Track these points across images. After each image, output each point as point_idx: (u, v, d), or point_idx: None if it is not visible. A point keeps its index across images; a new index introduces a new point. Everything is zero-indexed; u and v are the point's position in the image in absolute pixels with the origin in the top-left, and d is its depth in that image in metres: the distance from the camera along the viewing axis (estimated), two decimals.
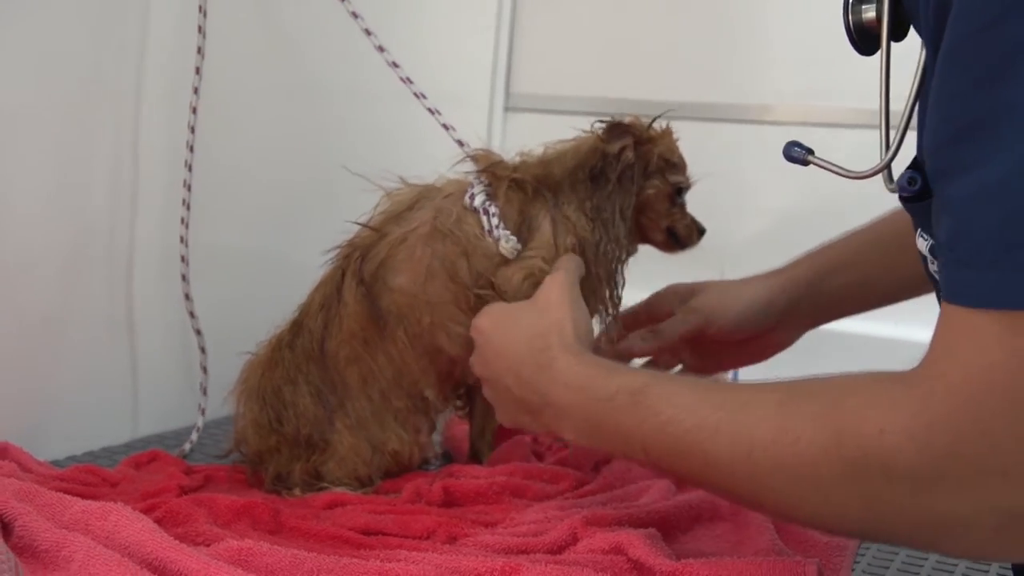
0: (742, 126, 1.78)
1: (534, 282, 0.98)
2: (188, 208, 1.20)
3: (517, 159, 1.05)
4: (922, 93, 0.69)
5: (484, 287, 1.00)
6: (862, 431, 0.66)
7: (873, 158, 1.79)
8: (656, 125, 1.04)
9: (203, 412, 1.20)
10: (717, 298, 1.07)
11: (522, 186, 1.01)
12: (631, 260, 1.06)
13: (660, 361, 1.11)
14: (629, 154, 1.01)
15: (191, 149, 1.19)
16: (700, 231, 1.08)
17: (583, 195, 1.01)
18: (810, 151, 0.81)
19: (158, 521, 0.84)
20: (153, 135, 1.22)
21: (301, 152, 1.45)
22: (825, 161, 0.79)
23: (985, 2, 0.59)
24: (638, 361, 1.11)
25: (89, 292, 1.19)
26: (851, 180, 0.81)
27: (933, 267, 0.77)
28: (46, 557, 0.78)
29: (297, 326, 1.04)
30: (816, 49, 1.73)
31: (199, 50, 1.18)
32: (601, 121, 1.03)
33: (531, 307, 0.93)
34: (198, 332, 1.21)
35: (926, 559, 0.98)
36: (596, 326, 1.03)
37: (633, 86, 1.83)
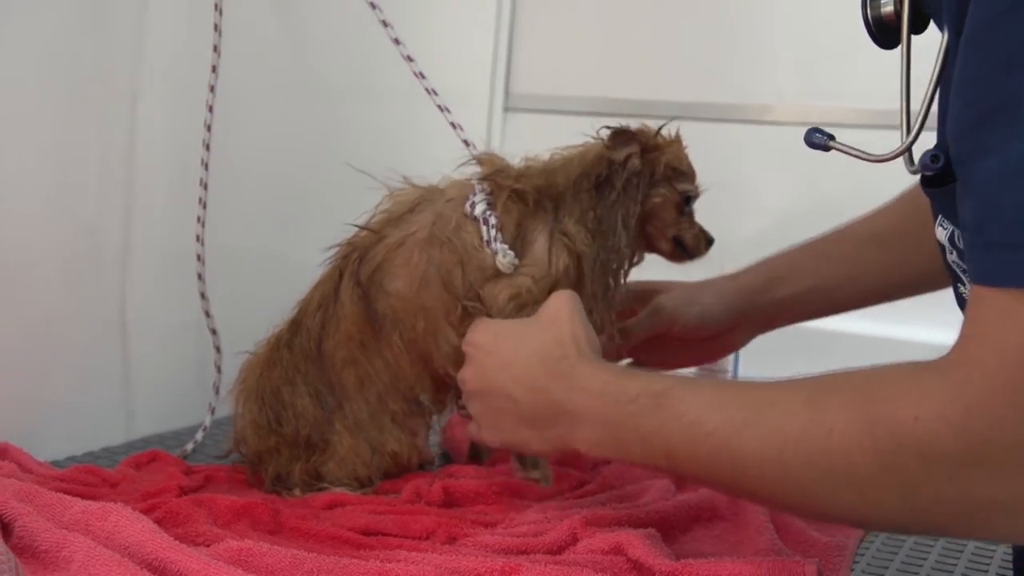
0: (742, 126, 1.79)
1: (519, 304, 0.97)
2: (205, 207, 1.19)
3: (521, 164, 1.03)
4: (943, 78, 0.69)
5: (473, 299, 0.98)
6: (896, 419, 0.66)
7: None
8: (664, 132, 1.03)
9: (213, 411, 1.20)
10: (681, 298, 1.07)
11: (523, 197, 1.00)
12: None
13: (621, 360, 1.10)
14: (635, 162, 1.00)
15: (207, 148, 1.19)
16: (708, 241, 1.06)
17: (587, 205, 0.99)
18: (831, 136, 0.80)
19: (158, 521, 0.84)
20: (154, 135, 1.22)
21: (308, 151, 1.45)
22: (846, 146, 0.78)
23: None
24: None
25: (89, 292, 1.19)
26: (871, 164, 0.82)
27: (951, 257, 0.78)
28: (46, 557, 0.78)
29: (296, 325, 1.04)
30: (816, 49, 1.74)
31: (215, 48, 1.18)
32: (607, 127, 1.01)
33: (535, 322, 0.91)
34: (213, 331, 1.21)
35: (925, 559, 0.98)
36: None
37: (633, 86, 1.83)
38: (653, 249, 1.06)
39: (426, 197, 1.03)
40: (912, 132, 0.72)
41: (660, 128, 1.03)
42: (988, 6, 0.60)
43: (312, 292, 1.05)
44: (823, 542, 0.93)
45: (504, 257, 0.98)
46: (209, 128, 1.18)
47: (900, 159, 0.76)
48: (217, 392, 1.19)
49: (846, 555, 0.93)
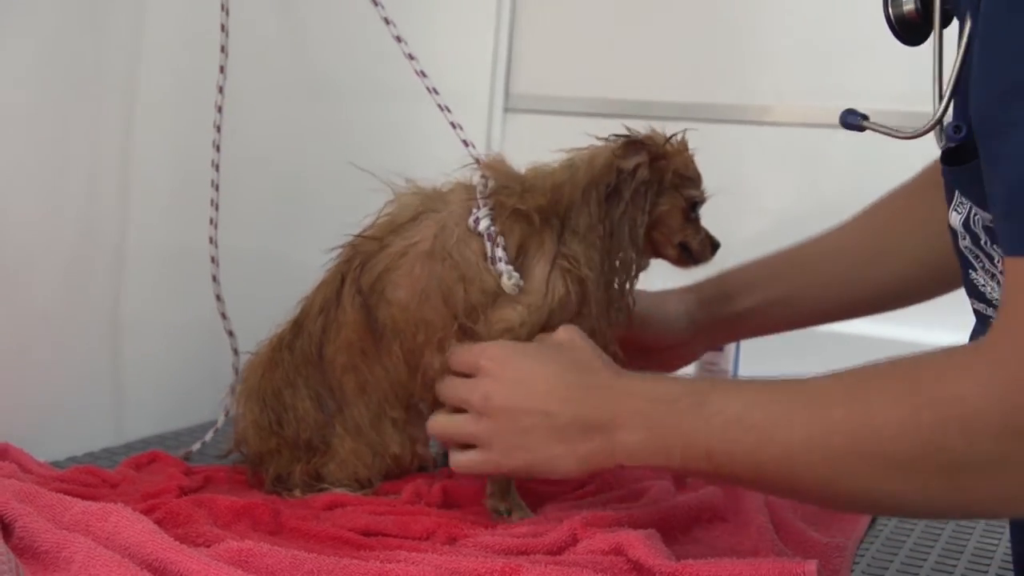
0: (742, 127, 1.79)
1: (513, 338, 0.96)
2: (217, 208, 1.19)
3: (526, 173, 1.01)
4: (966, 62, 0.70)
5: (474, 321, 0.97)
6: (939, 399, 0.67)
7: (872, 157, 1.81)
8: (672, 139, 1.02)
9: (227, 413, 1.20)
10: (645, 305, 1.06)
11: (526, 217, 0.97)
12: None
13: None
14: (644, 172, 0.98)
15: (218, 149, 1.19)
16: (714, 246, 1.05)
17: (595, 218, 0.97)
18: (865, 117, 0.81)
19: (158, 522, 0.84)
20: (154, 135, 1.22)
21: (312, 151, 1.45)
22: (880, 125, 0.80)
23: None
24: None
25: (89, 292, 1.19)
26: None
27: (963, 242, 0.79)
28: (47, 558, 0.78)
29: (297, 327, 1.04)
30: (816, 50, 1.74)
31: (222, 48, 1.17)
32: (616, 136, 1.00)
33: (550, 344, 0.91)
34: (230, 333, 1.20)
35: (925, 559, 0.98)
36: None
37: (633, 87, 1.83)
38: (659, 255, 1.05)
39: (429, 205, 1.00)
40: (940, 108, 0.73)
41: (671, 137, 1.01)
42: None
43: (314, 294, 1.04)
44: (823, 543, 0.93)
45: (509, 279, 0.96)
46: (219, 128, 1.18)
47: (915, 139, 0.79)
48: (234, 393, 1.19)
49: (846, 556, 0.93)
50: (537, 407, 0.86)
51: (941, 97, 0.73)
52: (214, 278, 1.19)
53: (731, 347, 1.42)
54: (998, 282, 0.77)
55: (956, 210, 0.78)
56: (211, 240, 1.19)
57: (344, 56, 1.49)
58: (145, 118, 1.21)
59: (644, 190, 0.98)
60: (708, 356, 1.41)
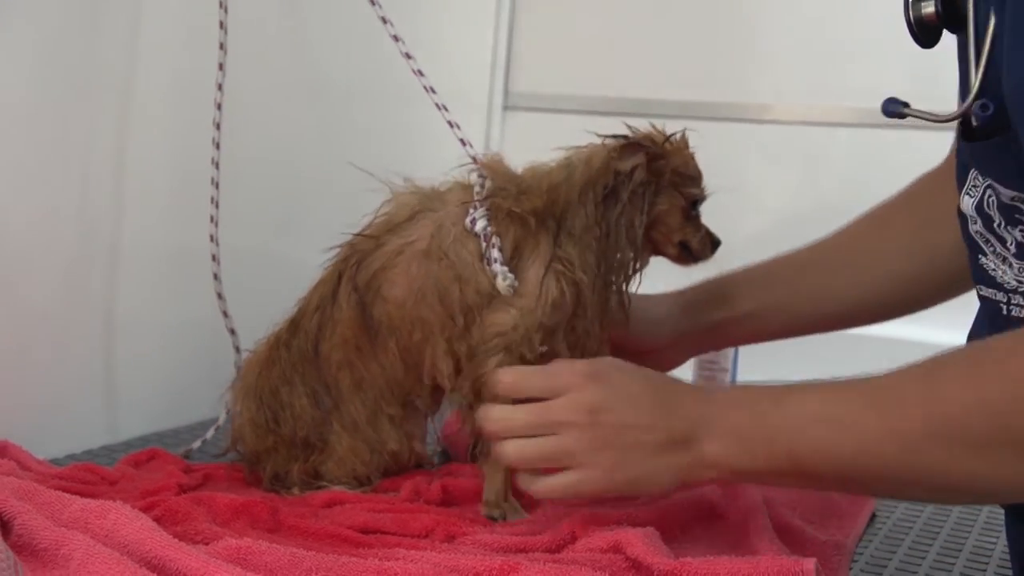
0: (741, 125, 1.79)
1: (505, 342, 0.96)
2: (217, 207, 1.19)
3: (524, 173, 1.01)
4: (994, 46, 0.73)
5: (470, 321, 0.97)
6: (1006, 377, 0.69)
7: (871, 157, 1.81)
8: (671, 138, 1.01)
9: (228, 410, 1.20)
10: (634, 307, 1.05)
11: (521, 219, 0.97)
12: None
13: None
14: (641, 173, 0.98)
15: (218, 147, 1.19)
16: (714, 244, 1.04)
17: (592, 219, 0.96)
18: (906, 104, 0.83)
19: (157, 519, 0.84)
20: (153, 134, 1.22)
21: (311, 149, 1.45)
22: (919, 111, 0.82)
23: None
24: None
25: (89, 290, 1.19)
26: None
27: (974, 227, 0.81)
28: (45, 555, 0.78)
29: (294, 325, 1.04)
30: (815, 48, 1.74)
31: (221, 46, 1.17)
32: (614, 136, 1.00)
33: (622, 363, 0.90)
34: (232, 331, 1.20)
35: (924, 558, 0.98)
36: None
37: (632, 85, 1.83)
38: (659, 253, 1.04)
39: (426, 204, 1.01)
40: (972, 91, 0.75)
41: (670, 136, 1.01)
42: None
43: (311, 293, 1.04)
44: (821, 541, 0.93)
45: (504, 280, 0.96)
46: (219, 126, 1.18)
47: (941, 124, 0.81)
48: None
49: (845, 554, 0.93)
50: (639, 422, 0.84)
51: (969, 84, 0.75)
52: (215, 276, 1.19)
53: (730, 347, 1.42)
54: (1009, 265, 0.79)
55: (968, 194, 0.80)
56: (212, 238, 1.19)
57: (343, 55, 1.49)
58: (144, 116, 1.21)
59: (642, 191, 0.98)
60: (708, 355, 1.41)
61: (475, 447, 1.00)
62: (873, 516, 1.07)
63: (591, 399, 0.85)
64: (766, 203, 1.75)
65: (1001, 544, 1.01)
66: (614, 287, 0.99)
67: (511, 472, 0.94)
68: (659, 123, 1.04)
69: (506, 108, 1.92)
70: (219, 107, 1.18)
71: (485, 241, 0.97)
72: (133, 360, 1.24)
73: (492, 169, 1.01)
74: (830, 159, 1.75)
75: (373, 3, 1.13)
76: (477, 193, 0.99)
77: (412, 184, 1.03)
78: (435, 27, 1.68)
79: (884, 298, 1.05)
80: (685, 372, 1.20)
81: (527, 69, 1.92)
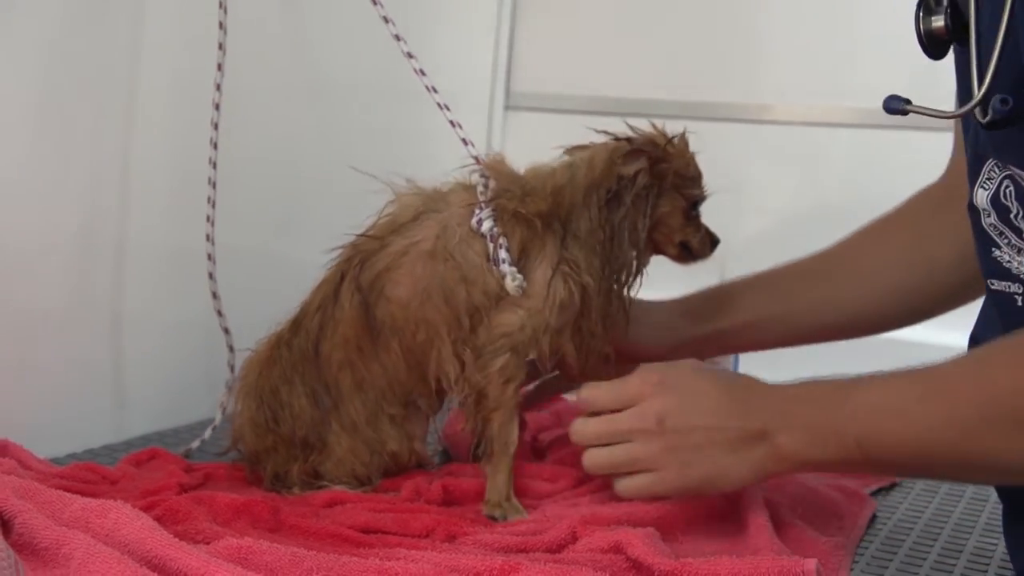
0: (743, 125, 1.79)
1: (511, 343, 0.96)
2: (214, 206, 1.19)
3: (526, 174, 1.01)
4: (1006, 45, 0.76)
5: (477, 323, 0.97)
6: None
7: (871, 157, 1.81)
8: (673, 141, 1.02)
9: (223, 410, 1.20)
10: (635, 313, 1.06)
11: (528, 221, 0.98)
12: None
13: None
14: (644, 178, 0.98)
15: (215, 146, 1.19)
16: (714, 242, 1.06)
17: (596, 222, 0.97)
18: (908, 101, 0.85)
19: (158, 519, 0.84)
20: (153, 133, 1.22)
21: (311, 150, 1.45)
22: (923, 107, 0.84)
23: None
24: None
25: (90, 290, 1.19)
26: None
27: (988, 220, 0.84)
28: (46, 555, 0.78)
29: (296, 325, 1.04)
30: (816, 48, 1.74)
31: (220, 46, 1.17)
32: (617, 137, 1.00)
33: (685, 364, 0.96)
34: (226, 330, 1.21)
35: (924, 559, 0.98)
36: None
37: (634, 85, 1.83)
38: (659, 252, 1.05)
39: (429, 205, 1.01)
40: (984, 85, 0.78)
41: (672, 138, 1.01)
42: None
43: (314, 293, 1.04)
44: (822, 541, 0.93)
45: (513, 280, 0.96)
46: (216, 126, 1.18)
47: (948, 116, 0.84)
48: (230, 390, 1.19)
49: (845, 554, 0.93)
50: (709, 423, 0.90)
51: (981, 76, 0.78)
52: (210, 276, 1.19)
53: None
54: None
55: (983, 187, 0.82)
56: (208, 238, 1.19)
57: (345, 55, 1.49)
58: (146, 116, 1.21)
59: (644, 194, 0.99)
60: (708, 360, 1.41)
61: (477, 447, 1.00)
62: (874, 517, 1.07)
63: (659, 407, 0.91)
64: (767, 203, 1.75)
65: (1002, 546, 1.01)
66: (616, 289, 0.99)
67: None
68: (660, 123, 1.04)
69: (508, 108, 1.92)
70: (217, 107, 1.18)
71: (492, 242, 0.97)
72: (135, 359, 1.24)
73: (495, 170, 1.01)
74: (831, 159, 1.74)
75: (375, 2, 1.13)
76: (481, 193, 0.99)
77: (414, 185, 1.03)
78: (437, 27, 1.68)
79: (883, 309, 1.07)
80: None
81: (529, 69, 1.92)
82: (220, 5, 1.17)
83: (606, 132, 1.02)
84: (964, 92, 0.83)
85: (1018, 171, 0.79)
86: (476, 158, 1.03)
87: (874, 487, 1.16)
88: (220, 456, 1.10)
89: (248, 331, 1.08)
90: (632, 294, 1.02)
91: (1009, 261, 0.83)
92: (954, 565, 0.97)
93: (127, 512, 0.81)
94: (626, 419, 0.92)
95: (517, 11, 1.92)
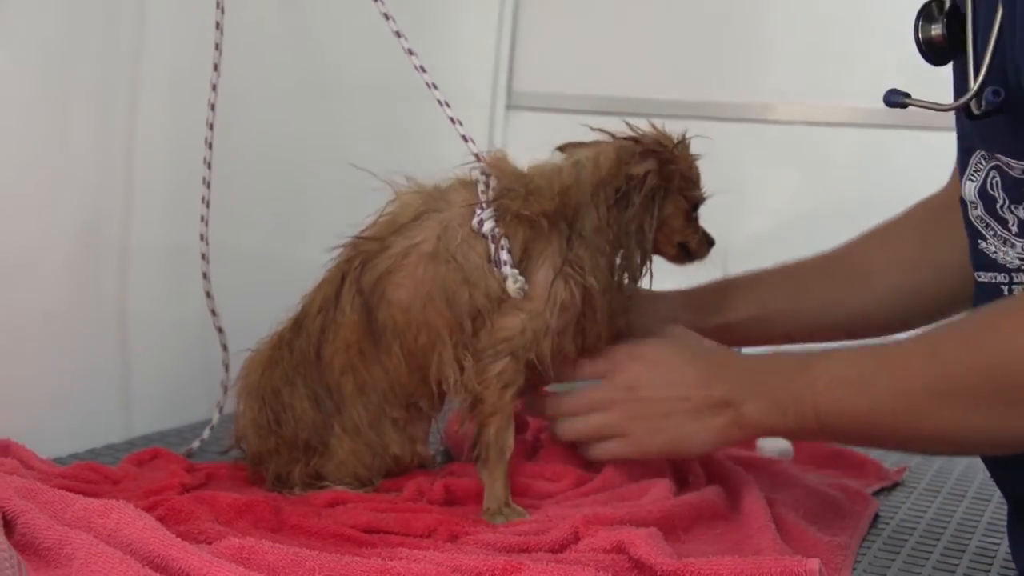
0: (745, 125, 1.79)
1: (509, 348, 0.96)
2: (208, 206, 1.19)
3: (530, 172, 1.00)
4: (1000, 40, 0.80)
5: (479, 325, 0.97)
6: (999, 337, 0.77)
7: (873, 156, 1.81)
8: (676, 139, 1.02)
9: (220, 409, 1.20)
10: (639, 304, 1.08)
11: (531, 222, 0.97)
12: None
13: None
14: (654, 179, 0.98)
15: (210, 146, 1.19)
16: (710, 243, 1.06)
17: (603, 221, 0.97)
18: (908, 95, 0.88)
19: (160, 519, 0.84)
20: (153, 132, 1.22)
21: (311, 149, 1.45)
22: (922, 101, 0.87)
23: None
24: None
25: (90, 289, 1.19)
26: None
27: (975, 212, 0.87)
28: (48, 555, 0.78)
29: (297, 325, 1.04)
30: (818, 48, 1.74)
31: (217, 46, 1.17)
32: (623, 137, 1.00)
33: (662, 339, 1.02)
34: (220, 330, 1.20)
35: (927, 559, 0.98)
36: None
37: (635, 84, 1.83)
38: (657, 253, 1.05)
39: (430, 204, 1.00)
40: (979, 78, 0.81)
41: (679, 142, 1.01)
42: None
43: (315, 293, 1.04)
44: (825, 541, 0.93)
45: (515, 283, 0.96)
46: (211, 126, 1.18)
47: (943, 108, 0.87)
48: (225, 390, 1.19)
49: (848, 554, 0.93)
50: (675, 392, 0.96)
51: (977, 71, 0.82)
52: (204, 275, 1.19)
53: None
54: (1011, 245, 0.84)
55: (971, 179, 0.86)
56: (202, 237, 1.19)
57: (345, 52, 1.49)
58: (146, 116, 1.21)
59: (652, 196, 0.99)
60: None
61: (474, 450, 1.00)
62: (876, 516, 1.07)
63: (629, 378, 0.98)
64: (769, 203, 1.75)
65: (1004, 546, 1.01)
66: (620, 288, 0.99)
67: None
68: (659, 123, 1.04)
69: (509, 107, 1.92)
70: (213, 107, 1.18)
71: (493, 243, 0.96)
72: (137, 359, 1.24)
73: (497, 167, 1.00)
74: (832, 159, 1.75)
75: (376, 0, 1.13)
76: (482, 192, 0.99)
77: (414, 183, 1.02)
78: (438, 25, 1.68)
79: (889, 311, 1.09)
80: None
81: (530, 68, 1.92)
82: (217, 5, 1.17)
83: (603, 130, 1.02)
84: (960, 93, 0.86)
85: (1004, 159, 0.82)
86: (477, 155, 1.02)
87: (876, 487, 1.16)
88: (222, 455, 1.10)
89: (250, 330, 1.08)
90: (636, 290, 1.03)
91: (995, 252, 0.86)
92: (956, 565, 0.97)
93: (129, 512, 0.81)
94: (598, 391, 0.99)
95: (519, 10, 1.92)
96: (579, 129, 1.05)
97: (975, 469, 1.26)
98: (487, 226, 0.97)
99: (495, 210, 0.97)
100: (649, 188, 0.98)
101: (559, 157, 1.04)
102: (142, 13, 1.20)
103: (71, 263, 1.16)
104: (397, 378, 1.01)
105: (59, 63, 1.11)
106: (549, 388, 1.07)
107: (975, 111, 0.82)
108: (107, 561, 0.74)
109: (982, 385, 0.79)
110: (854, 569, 0.93)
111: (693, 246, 1.05)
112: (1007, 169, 0.82)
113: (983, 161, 0.85)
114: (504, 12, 1.91)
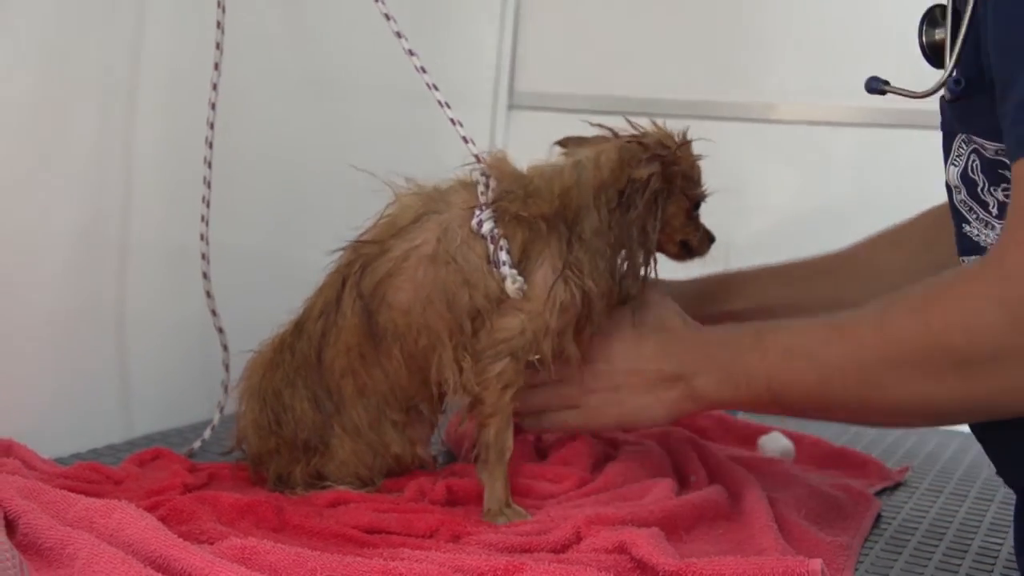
0: (746, 124, 1.79)
1: (510, 348, 0.96)
2: (209, 206, 1.19)
3: (529, 173, 1.00)
4: (970, 31, 0.83)
5: (479, 326, 0.97)
6: (948, 303, 0.78)
7: (875, 156, 1.81)
8: (678, 138, 1.02)
9: (221, 410, 1.20)
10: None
11: (530, 223, 0.97)
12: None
13: None
14: (657, 182, 0.99)
15: (211, 146, 1.19)
16: (711, 240, 1.07)
17: (604, 223, 0.97)
18: (887, 83, 0.93)
19: (162, 519, 0.84)
20: (153, 132, 1.22)
21: (311, 149, 1.45)
22: (899, 88, 0.92)
23: None
24: None
25: (91, 289, 1.19)
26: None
27: (959, 196, 0.88)
28: (50, 555, 0.78)
29: (299, 328, 1.03)
30: (818, 48, 1.74)
31: (218, 45, 1.17)
32: (627, 139, 1.00)
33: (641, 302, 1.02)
34: (220, 330, 1.20)
35: (929, 559, 0.98)
36: None
37: (637, 84, 1.83)
38: (660, 250, 1.05)
39: (430, 206, 1.00)
40: (950, 66, 0.84)
41: (681, 144, 1.02)
42: None
43: (316, 296, 1.03)
44: (827, 541, 0.93)
45: (513, 283, 0.96)
46: (212, 126, 1.18)
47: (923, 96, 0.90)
48: (226, 390, 1.19)
49: (850, 554, 0.93)
50: (628, 366, 0.99)
51: (951, 56, 0.85)
52: (204, 275, 1.19)
53: None
54: (992, 228, 0.85)
55: (954, 164, 0.87)
56: (203, 237, 1.19)
57: (346, 53, 1.49)
58: (146, 117, 1.21)
59: (656, 197, 0.99)
60: None
61: (473, 450, 1.00)
62: (879, 517, 1.07)
63: (585, 352, 1.00)
64: (770, 202, 1.75)
65: (1007, 546, 1.01)
66: (622, 289, 0.99)
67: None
68: (661, 121, 1.04)
69: (511, 107, 1.92)
70: (213, 107, 1.18)
71: (492, 244, 0.96)
72: (139, 359, 1.24)
73: (497, 169, 1.00)
74: (834, 158, 1.74)
75: (377, 0, 1.13)
76: (482, 193, 0.99)
77: (414, 184, 1.02)
78: (440, 24, 1.68)
79: None
80: None
81: (532, 68, 1.92)
82: (218, 4, 1.17)
83: (603, 126, 1.02)
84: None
85: (979, 140, 0.83)
86: (478, 157, 1.02)
87: (878, 487, 1.16)
88: (224, 456, 1.10)
89: (250, 330, 1.08)
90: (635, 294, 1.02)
91: (978, 235, 0.87)
92: (959, 565, 0.97)
93: (131, 512, 0.81)
94: (557, 370, 1.00)
95: (520, 10, 1.92)
96: (581, 128, 1.04)
97: (978, 469, 1.26)
98: (486, 227, 0.97)
99: (494, 211, 0.97)
100: (652, 191, 0.98)
101: (559, 152, 1.04)
102: (143, 13, 1.20)
103: (72, 263, 1.16)
104: (397, 381, 1.00)
105: (59, 63, 1.11)
106: None
107: (945, 96, 0.85)
108: (109, 561, 0.74)
109: (932, 354, 0.79)
110: (856, 569, 0.93)
111: (695, 243, 1.06)
112: (983, 151, 0.84)
113: (964, 145, 0.86)
114: (506, 12, 1.91)
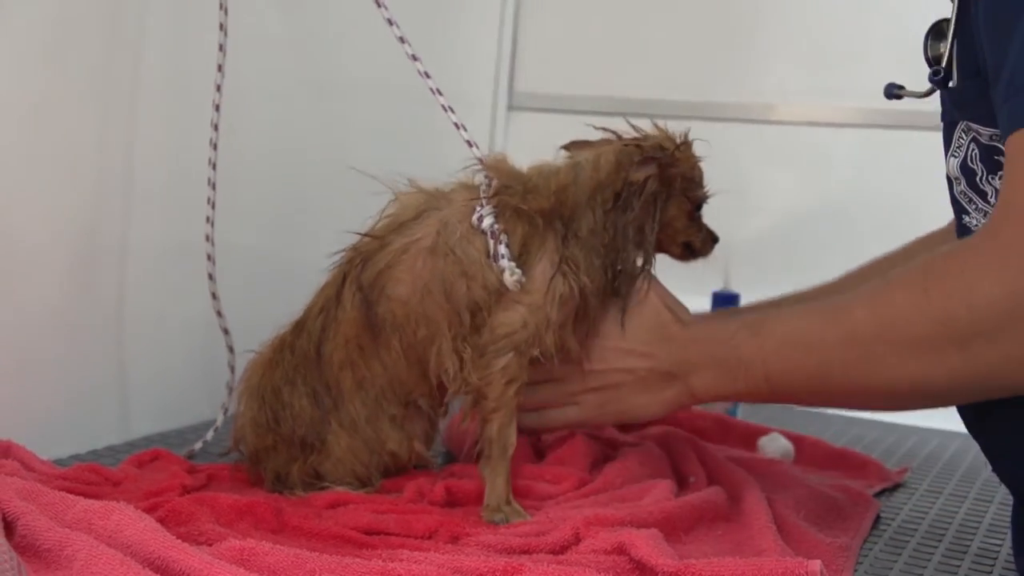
0: (746, 125, 1.79)
1: (513, 342, 0.97)
2: (214, 207, 1.19)
3: (529, 172, 1.01)
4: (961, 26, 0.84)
5: (477, 319, 0.97)
6: (945, 278, 0.78)
7: (874, 157, 1.81)
8: (679, 140, 1.02)
9: (225, 411, 1.20)
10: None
11: (529, 218, 0.98)
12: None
13: None
14: (654, 184, 0.99)
15: (215, 148, 1.19)
16: (714, 240, 1.07)
17: (599, 223, 0.98)
18: (902, 87, 0.94)
19: (160, 520, 0.84)
20: (155, 133, 1.22)
21: (313, 151, 1.45)
22: (912, 91, 0.93)
23: None
24: None
25: (93, 291, 1.19)
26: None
27: (959, 187, 0.88)
28: (49, 556, 0.78)
29: (299, 327, 1.04)
30: (818, 48, 1.74)
31: (220, 47, 1.18)
32: (626, 141, 1.01)
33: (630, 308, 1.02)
34: (226, 331, 1.21)
35: (929, 560, 0.98)
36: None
37: (637, 85, 1.83)
38: (662, 251, 1.06)
39: (431, 204, 1.01)
40: (943, 61, 0.86)
41: (679, 145, 1.02)
42: None
43: (317, 296, 1.04)
44: (826, 542, 0.93)
45: (512, 275, 0.96)
46: (216, 128, 1.18)
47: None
48: (230, 391, 1.19)
49: (849, 556, 0.93)
50: (623, 365, 1.00)
51: (950, 60, 0.86)
52: (210, 276, 1.19)
53: None
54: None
55: (954, 155, 0.87)
56: (207, 238, 1.19)
57: (348, 56, 1.49)
58: (147, 117, 1.21)
59: (653, 200, 0.99)
60: None
61: (476, 447, 1.00)
62: (878, 518, 1.07)
63: (583, 351, 1.01)
64: (770, 203, 1.75)
65: (1006, 547, 1.01)
66: (618, 289, 1.00)
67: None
68: (662, 123, 1.04)
69: (511, 108, 1.93)
70: (217, 108, 1.18)
71: (492, 238, 0.97)
72: (138, 360, 1.24)
73: (496, 168, 1.01)
74: (834, 159, 1.75)
75: (379, 5, 1.13)
76: (483, 191, 0.99)
77: (416, 185, 1.03)
78: (440, 26, 1.68)
79: None
80: None
81: (531, 69, 1.92)
82: (220, 6, 1.17)
83: (607, 130, 1.03)
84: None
85: (976, 127, 0.84)
86: (480, 160, 1.03)
87: (878, 488, 1.16)
88: (223, 457, 1.10)
89: (252, 331, 1.08)
90: (634, 294, 1.03)
91: (977, 225, 0.87)
92: (958, 566, 0.97)
93: (130, 513, 0.81)
94: (557, 369, 1.01)
95: (520, 11, 1.92)
96: (581, 130, 1.05)
97: (977, 470, 1.26)
98: (486, 222, 0.97)
99: (494, 206, 0.98)
100: (649, 193, 0.99)
101: (564, 156, 1.04)
102: (144, 14, 1.20)
103: (74, 264, 1.16)
104: (396, 373, 1.01)
105: (60, 63, 1.11)
106: None
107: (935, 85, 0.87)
108: (107, 563, 0.74)
109: (933, 329, 0.78)
110: (855, 570, 0.93)
111: (697, 244, 1.07)
112: (979, 137, 0.84)
113: (963, 135, 0.86)
114: (505, 13, 1.91)
